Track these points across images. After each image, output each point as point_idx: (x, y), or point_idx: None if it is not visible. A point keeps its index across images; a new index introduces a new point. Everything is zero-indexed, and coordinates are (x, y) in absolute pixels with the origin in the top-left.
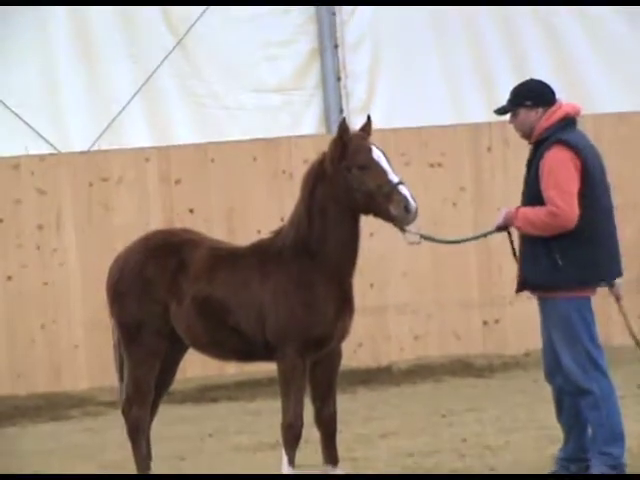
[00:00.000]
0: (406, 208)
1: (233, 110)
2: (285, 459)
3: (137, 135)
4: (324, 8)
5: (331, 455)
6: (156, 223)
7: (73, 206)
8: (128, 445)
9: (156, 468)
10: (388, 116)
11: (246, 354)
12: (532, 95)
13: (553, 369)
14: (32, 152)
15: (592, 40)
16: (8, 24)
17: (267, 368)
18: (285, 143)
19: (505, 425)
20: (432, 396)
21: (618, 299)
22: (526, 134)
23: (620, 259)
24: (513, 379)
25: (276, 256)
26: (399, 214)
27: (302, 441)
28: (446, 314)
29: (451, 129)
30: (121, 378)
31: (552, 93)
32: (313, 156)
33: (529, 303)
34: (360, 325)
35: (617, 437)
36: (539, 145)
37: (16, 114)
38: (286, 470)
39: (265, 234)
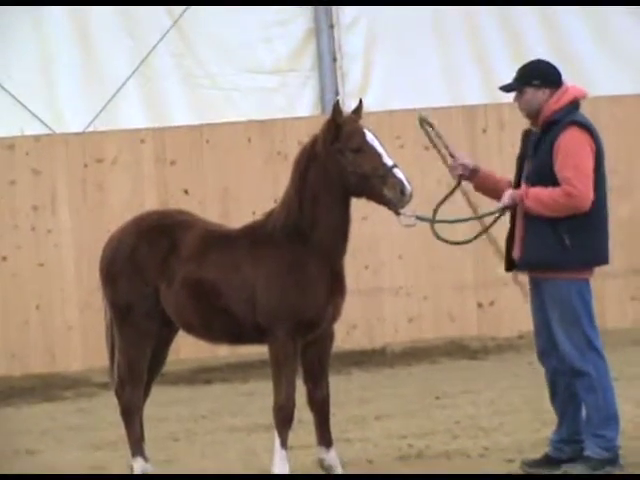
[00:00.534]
0: (401, 191)
1: (228, 91)
2: (277, 441)
3: (132, 116)
4: None
5: (325, 437)
6: (151, 204)
7: (68, 187)
8: (122, 426)
9: (150, 449)
10: (384, 97)
11: (236, 337)
12: (540, 75)
13: (548, 350)
14: (27, 133)
15: (587, 21)
16: (3, 5)
17: (260, 350)
18: (280, 125)
19: (499, 407)
20: (426, 378)
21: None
22: (531, 114)
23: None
24: (507, 361)
25: (267, 238)
26: (394, 197)
27: (296, 422)
28: (440, 296)
29: (447, 111)
30: (112, 359)
31: (559, 75)
32: (308, 138)
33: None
34: (354, 307)
35: (612, 419)
36: (548, 126)
37: (11, 95)
38: (279, 452)
39: (259, 216)
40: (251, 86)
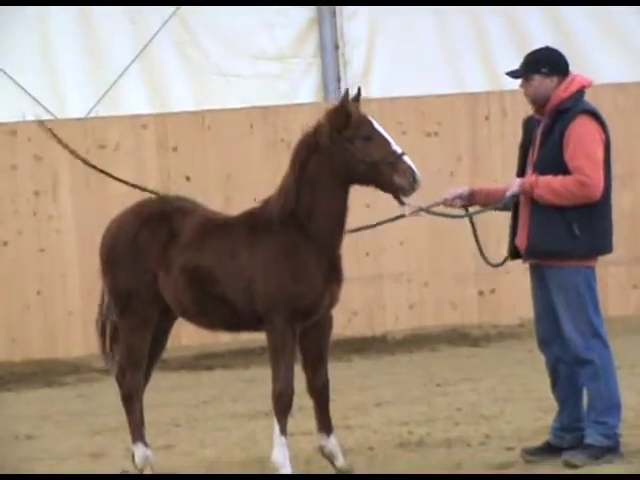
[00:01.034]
0: (413, 178)
1: (231, 78)
2: (277, 427)
3: (134, 102)
4: None
5: (325, 424)
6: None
7: (70, 173)
8: (122, 411)
9: (151, 434)
10: (386, 85)
11: (234, 324)
12: (549, 63)
13: (550, 338)
14: (29, 118)
15: (589, 9)
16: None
17: (262, 337)
18: (282, 111)
19: (500, 395)
20: (427, 365)
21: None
22: (538, 102)
23: None
24: (508, 349)
25: (265, 226)
26: (405, 184)
27: (295, 409)
28: (441, 283)
29: (449, 98)
30: (103, 345)
31: (567, 63)
32: (311, 124)
33: (524, 273)
34: (355, 294)
35: (614, 407)
36: (558, 115)
37: (13, 80)
38: (278, 439)
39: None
40: (253, 72)
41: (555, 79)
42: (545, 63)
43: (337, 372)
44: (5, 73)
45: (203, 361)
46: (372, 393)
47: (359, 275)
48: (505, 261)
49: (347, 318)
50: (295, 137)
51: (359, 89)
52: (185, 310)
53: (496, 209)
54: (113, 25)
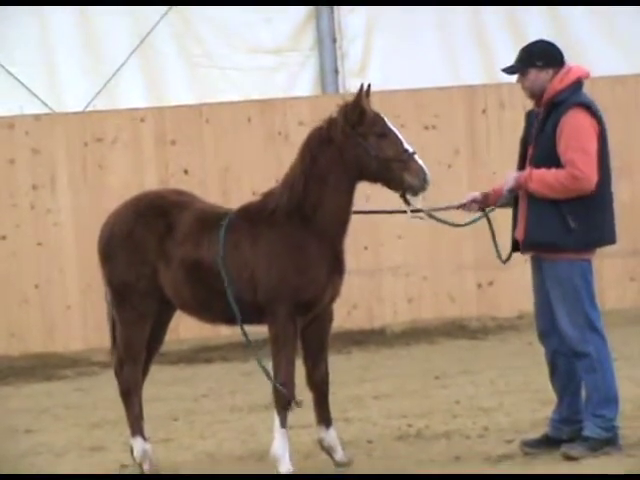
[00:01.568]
0: (424, 178)
1: (228, 71)
2: (277, 420)
3: (132, 95)
4: None
5: (324, 416)
6: (151, 184)
7: (68, 166)
8: (121, 405)
9: (150, 428)
10: (384, 77)
11: (234, 318)
12: (543, 55)
13: (548, 330)
14: (27, 112)
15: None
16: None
17: (261, 329)
18: (280, 104)
19: (498, 387)
20: (426, 358)
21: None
22: (535, 95)
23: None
24: (507, 341)
25: (267, 218)
26: (416, 183)
27: (300, 400)
28: (440, 276)
29: (446, 91)
30: (113, 338)
31: (561, 54)
32: (308, 117)
33: (523, 266)
34: (354, 287)
35: (611, 399)
36: (553, 107)
37: (11, 73)
38: (278, 431)
39: (259, 196)
40: (251, 65)
41: (550, 71)
42: (539, 56)
43: (336, 365)
44: (2, 67)
45: (202, 354)
46: (371, 386)
47: (358, 268)
48: (510, 255)
49: (346, 311)
50: (293, 130)
51: (369, 85)
52: (185, 303)
53: (499, 207)
54: (111, 18)
